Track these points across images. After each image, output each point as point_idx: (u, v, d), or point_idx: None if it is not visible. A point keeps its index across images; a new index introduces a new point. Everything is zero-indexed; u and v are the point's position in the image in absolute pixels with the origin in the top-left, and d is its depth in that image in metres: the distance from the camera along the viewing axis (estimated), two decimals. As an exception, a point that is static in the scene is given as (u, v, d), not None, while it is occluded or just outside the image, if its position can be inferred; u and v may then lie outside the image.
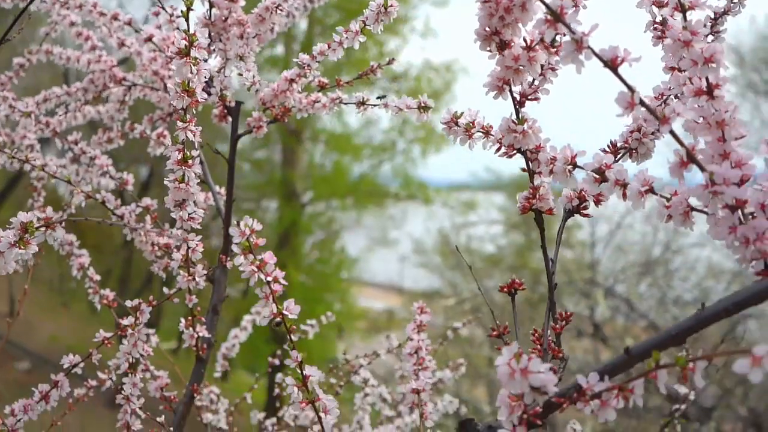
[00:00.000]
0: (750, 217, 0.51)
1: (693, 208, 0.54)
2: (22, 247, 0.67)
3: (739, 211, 0.52)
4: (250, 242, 0.61)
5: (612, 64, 0.50)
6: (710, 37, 0.72)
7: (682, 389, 1.09)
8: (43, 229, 0.65)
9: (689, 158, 0.51)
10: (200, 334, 0.96)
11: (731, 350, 0.41)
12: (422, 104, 0.83)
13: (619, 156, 0.68)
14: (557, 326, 0.62)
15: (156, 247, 1.01)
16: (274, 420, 1.32)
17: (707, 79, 0.53)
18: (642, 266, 6.61)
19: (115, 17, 1.09)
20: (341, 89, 0.98)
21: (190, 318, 0.96)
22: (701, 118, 0.54)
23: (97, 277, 1.10)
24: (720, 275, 6.97)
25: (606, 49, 0.50)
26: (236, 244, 0.61)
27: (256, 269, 0.61)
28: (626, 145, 0.68)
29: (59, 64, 1.25)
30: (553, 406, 0.54)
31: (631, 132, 0.68)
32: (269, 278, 0.62)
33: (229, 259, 0.96)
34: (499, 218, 10.01)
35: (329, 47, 0.90)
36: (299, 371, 0.64)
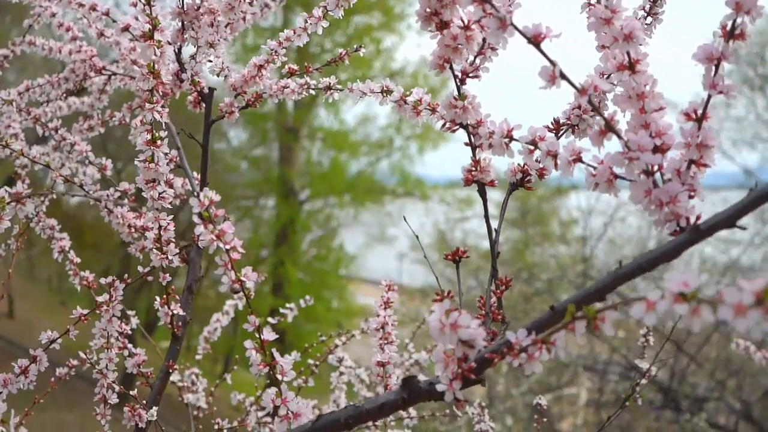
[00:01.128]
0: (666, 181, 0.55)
1: (617, 176, 0.58)
2: (-5, 221, 0.71)
3: (657, 176, 0.56)
4: (209, 212, 0.65)
5: (535, 41, 0.54)
6: (649, 19, 0.75)
7: (644, 364, 1.12)
8: (13, 204, 0.69)
9: (608, 128, 0.55)
10: (175, 312, 1.00)
11: (632, 299, 0.45)
12: (385, 88, 0.86)
13: (562, 132, 0.72)
14: (498, 291, 0.66)
15: (133, 229, 1.05)
16: (252, 399, 1.36)
17: (628, 54, 0.57)
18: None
19: (93, 8, 1.12)
20: (310, 75, 1.02)
21: (165, 297, 0.99)
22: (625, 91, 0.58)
23: (77, 260, 1.13)
24: (713, 269, 7.02)
25: (529, 26, 0.54)
26: (196, 214, 0.64)
27: (215, 238, 0.65)
28: (568, 122, 0.72)
29: (51, 58, 1.29)
30: (486, 361, 0.58)
31: (573, 109, 0.71)
32: (228, 246, 0.66)
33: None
34: (495, 213, 10.05)
35: (295, 33, 0.94)
36: (257, 335, 0.68)
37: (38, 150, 1.20)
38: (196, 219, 0.65)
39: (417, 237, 0.98)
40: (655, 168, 0.55)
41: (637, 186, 0.55)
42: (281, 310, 1.45)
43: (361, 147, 12.30)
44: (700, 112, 0.56)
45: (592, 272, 6.16)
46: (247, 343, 0.68)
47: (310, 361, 1.38)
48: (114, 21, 1.13)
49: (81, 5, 1.13)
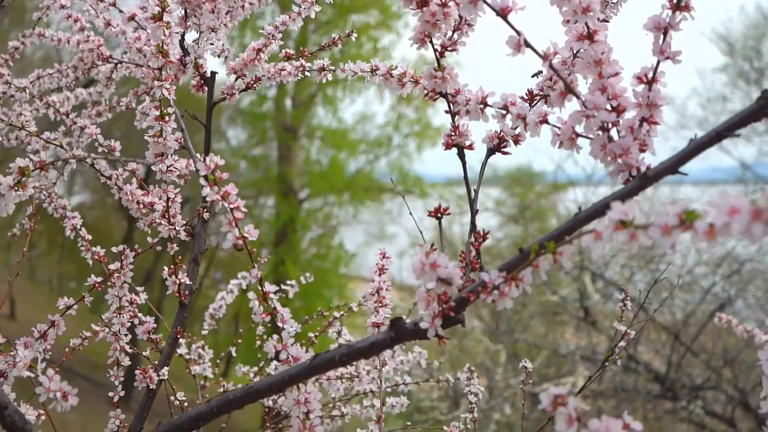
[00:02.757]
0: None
1: (578, 134, 0.65)
2: (19, 189, 0.78)
3: (613, 132, 0.63)
4: (215, 175, 0.72)
5: (503, 13, 0.61)
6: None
7: (621, 328, 1.19)
8: (37, 171, 0.75)
9: (567, 89, 0.62)
10: (182, 281, 1.07)
11: (584, 231, 0.52)
12: (374, 67, 0.93)
13: (535, 102, 0.79)
14: (476, 243, 0.73)
15: (141, 206, 1.12)
16: (255, 369, 1.43)
17: (587, 25, 0.64)
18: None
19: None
20: (305, 59, 1.09)
21: (172, 266, 1.06)
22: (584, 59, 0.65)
23: (89, 237, 1.20)
24: (709, 260, 7.10)
25: (496, 0, 0.61)
26: (202, 176, 0.71)
27: (220, 198, 0.72)
28: (541, 92, 0.79)
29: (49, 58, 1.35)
30: (464, 301, 0.65)
31: (545, 80, 0.78)
32: (232, 206, 0.73)
33: (207, 212, 1.07)
34: (493, 208, 10.15)
35: (290, 17, 1.01)
36: (260, 287, 0.75)
37: (48, 136, 1.28)
38: (202, 182, 0.72)
39: (421, 232, 1.03)
40: (610, 125, 0.62)
41: (594, 141, 0.62)
42: (283, 287, 1.51)
43: (360, 145, 12.37)
44: (650, 75, 0.63)
45: (588, 264, 6.23)
46: (251, 295, 0.75)
47: (310, 334, 1.46)
48: (120, 11, 1.20)
49: (89, -4, 1.20)
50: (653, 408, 5.93)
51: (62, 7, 1.29)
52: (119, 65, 1.28)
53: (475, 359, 7.49)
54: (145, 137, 0.90)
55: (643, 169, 0.61)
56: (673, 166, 0.58)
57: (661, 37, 0.62)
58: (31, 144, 1.38)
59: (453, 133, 0.73)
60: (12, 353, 0.75)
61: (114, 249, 1.00)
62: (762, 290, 6.87)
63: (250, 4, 1.13)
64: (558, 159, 8.31)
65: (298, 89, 11.20)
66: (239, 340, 1.66)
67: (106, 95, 1.30)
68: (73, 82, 1.28)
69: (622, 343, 1.15)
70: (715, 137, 0.56)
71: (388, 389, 1.34)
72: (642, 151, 0.62)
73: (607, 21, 0.80)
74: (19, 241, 1.33)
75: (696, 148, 0.57)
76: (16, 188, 0.78)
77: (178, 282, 1.07)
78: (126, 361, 1.05)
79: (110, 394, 1.04)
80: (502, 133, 0.77)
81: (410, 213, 1.08)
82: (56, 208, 1.25)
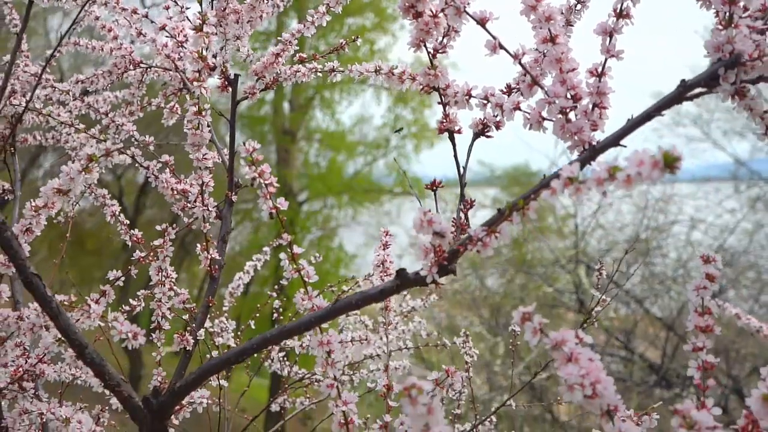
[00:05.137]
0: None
1: (544, 118, 0.82)
2: (87, 173, 0.94)
3: (572, 115, 0.79)
4: (253, 157, 0.88)
5: (481, 22, 0.78)
6: (579, 6, 0.99)
7: (595, 293, 1.35)
8: (104, 157, 0.92)
9: (533, 82, 0.78)
10: (213, 257, 1.23)
11: (539, 186, 0.68)
12: (377, 68, 1.10)
13: (513, 93, 0.95)
14: (465, 209, 0.89)
15: (174, 192, 1.28)
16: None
17: (549, 30, 0.80)
18: (627, 243, 6.92)
19: (134, 11, 1.36)
20: (317, 62, 1.25)
21: (204, 243, 1.23)
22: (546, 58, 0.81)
23: (127, 222, 1.37)
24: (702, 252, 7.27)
25: (477, 12, 0.77)
26: (243, 157, 0.88)
27: (257, 175, 0.88)
28: (517, 86, 0.95)
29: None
30: (455, 252, 0.81)
31: (520, 76, 0.95)
32: (267, 182, 0.89)
33: (234, 194, 1.23)
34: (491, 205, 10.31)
35: (305, 25, 1.18)
36: (289, 250, 0.91)
37: (93, 132, 1.44)
38: (243, 162, 0.89)
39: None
40: (568, 110, 0.78)
41: (556, 122, 0.79)
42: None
43: (358, 147, 12.53)
44: (599, 70, 0.79)
45: (582, 257, 6.40)
46: (282, 255, 0.91)
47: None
48: (152, 22, 1.36)
49: (124, 9, 1.37)
50: (647, 395, 6.09)
51: (97, 18, 1.45)
52: (149, 69, 1.45)
53: (479, 358, 7.67)
54: (184, 129, 1.06)
55: (594, 143, 0.77)
56: (614, 141, 0.74)
57: (608, 38, 0.79)
58: (68, 142, 1.54)
59: (444, 120, 0.90)
60: (86, 306, 0.91)
61: (158, 227, 1.16)
62: (752, 281, 7.05)
63: (267, 14, 1.29)
64: (552, 157, 8.48)
65: (295, 92, 11.38)
66: (257, 313, 1.81)
67: (138, 96, 1.46)
68: (109, 85, 1.45)
69: (598, 308, 1.31)
70: (646, 116, 0.72)
71: (393, 353, 1.49)
72: (593, 129, 0.78)
73: (572, 25, 0.97)
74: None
75: (633, 125, 0.73)
76: (84, 173, 0.94)
77: (209, 257, 1.23)
78: (166, 326, 1.21)
79: (153, 354, 1.20)
80: (485, 120, 0.93)
81: (419, 201, 1.25)
82: (96, 197, 1.42)
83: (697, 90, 0.71)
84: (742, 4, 0.70)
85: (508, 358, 6.58)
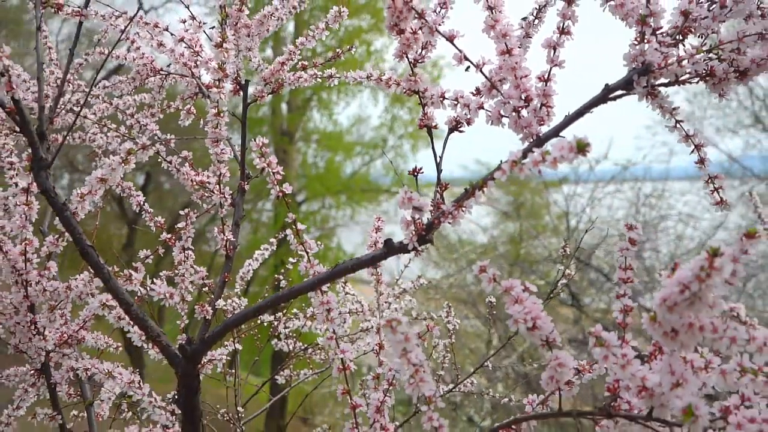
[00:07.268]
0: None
1: (502, 115, 1.01)
2: (125, 163, 1.13)
3: (524, 113, 0.98)
4: (262, 150, 1.07)
5: (450, 38, 0.97)
6: (537, 21, 1.18)
7: (560, 267, 1.54)
8: (140, 150, 1.11)
9: (492, 86, 0.98)
10: (228, 238, 1.42)
11: (501, 164, 0.87)
12: (369, 74, 1.29)
13: (480, 95, 1.14)
14: (440, 190, 1.09)
15: (194, 182, 1.47)
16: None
17: (506, 44, 1.00)
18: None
19: (156, 25, 1.54)
20: (317, 68, 1.45)
21: (221, 226, 1.42)
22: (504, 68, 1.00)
23: (151, 210, 1.56)
24: (689, 245, 7.51)
25: (446, 30, 0.96)
26: (254, 151, 1.07)
27: (266, 166, 1.07)
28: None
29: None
30: (431, 225, 0.99)
31: (484, 81, 1.13)
32: (274, 171, 1.08)
33: (247, 183, 1.42)
34: (487, 204, 10.51)
35: (306, 38, 1.37)
36: (294, 227, 1.10)
37: (122, 131, 1.63)
38: (254, 154, 1.08)
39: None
40: (521, 108, 0.97)
41: (510, 119, 0.98)
42: (286, 265, 1.87)
43: (355, 147, 12.71)
44: (546, 76, 0.98)
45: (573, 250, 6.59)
46: (288, 231, 1.10)
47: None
48: (172, 34, 1.55)
49: (146, 23, 1.56)
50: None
51: (122, 31, 1.64)
52: (168, 76, 1.64)
53: (470, 346, 7.86)
54: (204, 128, 1.25)
55: (540, 135, 0.96)
56: (554, 133, 0.93)
57: (552, 51, 0.98)
58: (95, 141, 1.73)
59: (423, 118, 1.09)
60: (127, 273, 1.10)
61: (181, 212, 1.34)
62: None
63: (272, 27, 1.49)
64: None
65: (293, 94, 11.56)
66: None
67: (158, 100, 1.65)
68: (133, 90, 1.64)
69: (564, 281, 1.50)
70: (576, 115, 0.91)
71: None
72: (540, 124, 0.97)
73: (530, 37, 1.16)
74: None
75: (567, 122, 0.92)
76: (123, 164, 1.13)
77: (225, 238, 1.42)
78: (188, 297, 1.40)
79: (177, 322, 1.39)
80: (457, 117, 1.12)
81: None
82: (123, 189, 1.60)
83: (618, 92, 0.91)
84: (652, 24, 0.89)
85: (502, 351, 6.78)
